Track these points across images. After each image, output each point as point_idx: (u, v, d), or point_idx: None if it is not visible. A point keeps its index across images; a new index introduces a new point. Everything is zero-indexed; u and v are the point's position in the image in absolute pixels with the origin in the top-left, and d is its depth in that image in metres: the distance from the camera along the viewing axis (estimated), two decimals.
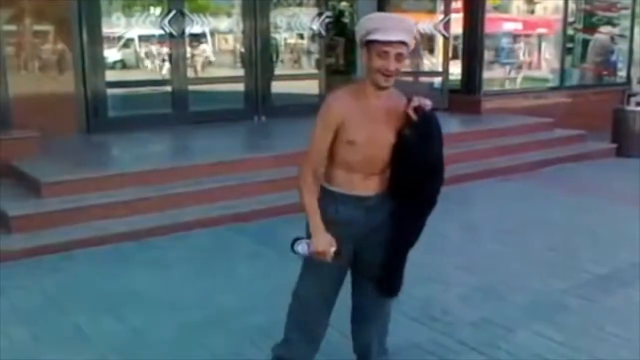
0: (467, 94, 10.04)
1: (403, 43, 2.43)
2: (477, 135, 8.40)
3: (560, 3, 11.26)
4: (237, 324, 3.89)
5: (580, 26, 11.91)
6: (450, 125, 9.41)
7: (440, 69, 10.21)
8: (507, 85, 11.33)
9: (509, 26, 11.54)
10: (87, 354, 3.53)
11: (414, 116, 2.52)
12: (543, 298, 4.35)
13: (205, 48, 9.24)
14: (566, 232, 5.75)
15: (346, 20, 12.83)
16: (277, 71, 9.45)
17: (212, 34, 9.19)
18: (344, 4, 12.92)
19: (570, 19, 11.62)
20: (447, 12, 9.91)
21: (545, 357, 3.50)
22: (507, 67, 11.36)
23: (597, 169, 8.38)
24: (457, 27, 10.35)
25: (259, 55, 8.86)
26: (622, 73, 12.17)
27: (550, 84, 11.40)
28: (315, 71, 9.85)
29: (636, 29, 12.34)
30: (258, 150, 7.28)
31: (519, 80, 11.36)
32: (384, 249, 2.72)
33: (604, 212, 6.43)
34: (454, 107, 9.75)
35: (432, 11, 10.34)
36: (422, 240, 5.41)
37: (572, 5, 11.57)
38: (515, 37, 11.65)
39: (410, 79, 10.77)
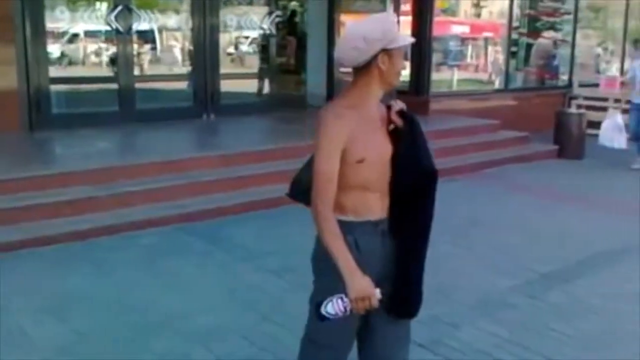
0: (415, 96, 10.16)
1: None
2: (427, 136, 8.49)
3: (506, 7, 11.51)
4: (185, 325, 3.84)
5: (524, 30, 12.20)
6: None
7: None
8: (455, 87, 11.53)
9: (456, 29, 11.74)
10: (30, 356, 3.44)
11: (399, 121, 2.36)
12: (489, 296, 4.44)
13: (153, 45, 9.10)
14: (510, 231, 5.89)
15: (297, 19, 12.82)
16: (227, 69, 9.36)
17: (160, 31, 9.05)
18: (294, 3, 12.91)
19: (515, 24, 11.90)
20: (396, 14, 10.01)
21: (490, 353, 3.58)
22: (454, 69, 11.57)
23: (539, 170, 8.61)
24: (407, 29, 10.47)
25: (208, 53, 8.77)
26: (564, 77, 12.51)
27: (495, 87, 11.66)
28: (266, 70, 9.81)
29: (578, 34, 12.71)
30: (207, 149, 7.21)
31: (455, 81, 11.54)
32: (397, 264, 2.40)
33: (546, 212, 6.61)
34: None
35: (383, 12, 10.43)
36: None
37: (516, 10, 11.86)
38: (462, 40, 11.86)
39: None
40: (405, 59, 2.27)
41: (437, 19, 10.60)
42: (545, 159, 8.99)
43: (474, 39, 12.23)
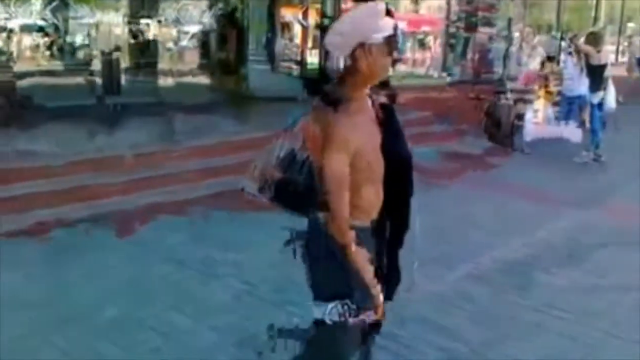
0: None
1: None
2: None
3: (444, 3, 11.82)
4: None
5: (462, 25, 12.54)
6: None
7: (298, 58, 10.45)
8: (395, 82, 11.77)
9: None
10: None
11: (380, 114, 2.33)
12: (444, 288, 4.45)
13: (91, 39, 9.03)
14: (452, 221, 5.87)
15: (238, 14, 12.86)
16: (166, 65, 9.37)
17: (97, 25, 8.99)
18: None
19: (453, 19, 12.23)
20: (338, 10, 10.16)
21: (440, 344, 3.66)
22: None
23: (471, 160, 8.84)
24: None
25: (149, 48, 8.75)
26: (497, 70, 12.92)
27: (433, 81, 11.96)
28: (206, 64, 9.86)
29: (511, 29, 13.16)
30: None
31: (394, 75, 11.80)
32: (389, 252, 2.48)
33: (483, 201, 6.73)
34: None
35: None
36: (281, 224, 5.43)
37: (454, 6, 12.19)
38: (401, 34, 12.11)
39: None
40: (389, 53, 2.21)
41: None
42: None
43: (413, 33, 12.49)
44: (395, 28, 2.22)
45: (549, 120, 9.12)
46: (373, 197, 2.32)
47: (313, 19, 10.72)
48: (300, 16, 10.25)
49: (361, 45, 2.18)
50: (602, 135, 8.75)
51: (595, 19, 16.63)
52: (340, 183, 2.18)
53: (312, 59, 10.72)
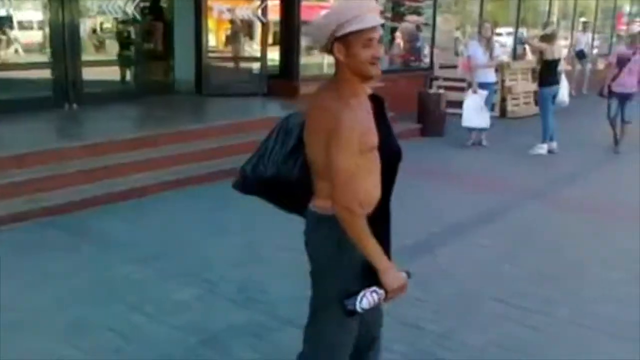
0: (285, 79, 10.26)
1: (381, 25, 2.23)
2: None
3: None
4: (49, 322, 3.72)
5: (389, 14, 12.56)
6: (267, 110, 9.61)
7: (258, 55, 10.33)
8: (326, 71, 11.70)
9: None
10: None
11: (371, 105, 2.33)
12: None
13: (9, 32, 8.55)
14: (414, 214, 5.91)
15: (164, 4, 12.48)
16: (89, 57, 8.98)
17: (15, 17, 8.52)
18: None
19: (380, 8, 12.24)
20: None
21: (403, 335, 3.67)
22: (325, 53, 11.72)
23: (404, 148, 8.93)
24: (275, 14, 10.53)
25: (68, 40, 8.34)
26: (426, 59, 13.04)
27: None
28: (131, 56, 9.52)
29: (438, 18, 13.29)
30: (69, 139, 6.91)
31: (326, 65, 11.69)
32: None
33: (410, 187, 6.89)
34: (272, 92, 9.96)
35: None
36: (241, 222, 5.54)
37: None
38: None
39: (230, 65, 10.84)
40: (367, 46, 2.15)
41: (306, 3, 10.71)
42: (409, 137, 9.37)
43: None
44: (377, 20, 2.18)
45: (481, 108, 9.23)
46: (372, 189, 2.32)
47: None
48: (259, 12, 10.01)
49: (338, 38, 2.16)
50: (556, 127, 9.05)
51: (549, 14, 17.09)
52: (352, 177, 2.17)
53: (273, 55, 10.55)
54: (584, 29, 17.03)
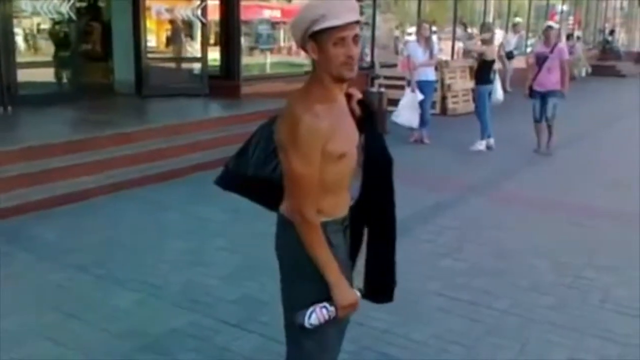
0: (226, 80, 10.20)
1: (357, 23, 2.09)
2: (235, 120, 8.59)
3: None
4: None
5: None
6: (209, 110, 9.53)
7: (199, 55, 10.23)
8: (267, 70, 11.69)
9: (267, 13, 11.87)
10: None
11: (358, 110, 2.25)
12: None
13: None
14: None
15: (101, 4, 12.25)
16: (24, 59, 8.71)
17: None
18: None
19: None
20: None
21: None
22: (267, 53, 11.71)
23: None
24: (215, 14, 10.45)
25: (1, 41, 8.07)
26: (367, 58, 13.16)
27: (305, 69, 11.96)
28: (68, 57, 9.28)
29: (378, 17, 13.43)
30: (3, 143, 6.67)
31: (268, 64, 11.73)
32: (377, 253, 2.36)
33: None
34: (214, 92, 9.88)
35: None
36: (184, 224, 5.49)
37: None
38: (273, 24, 12.02)
39: (171, 65, 10.70)
40: (339, 44, 2.01)
41: (245, 3, 10.66)
42: None
43: (285, 22, 12.43)
44: (350, 18, 2.05)
45: (415, 108, 9.38)
46: (340, 197, 2.22)
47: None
48: (199, 12, 9.88)
49: (311, 35, 2.06)
50: (492, 125, 9.26)
51: (485, 14, 17.45)
52: (306, 183, 2.07)
53: (214, 55, 10.45)
54: (514, 30, 17.51)
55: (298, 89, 2.19)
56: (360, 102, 2.26)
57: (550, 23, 9.68)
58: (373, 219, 2.34)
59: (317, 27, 2.04)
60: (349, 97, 2.24)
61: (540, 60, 8.99)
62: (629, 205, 6.63)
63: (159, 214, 5.89)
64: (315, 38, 2.06)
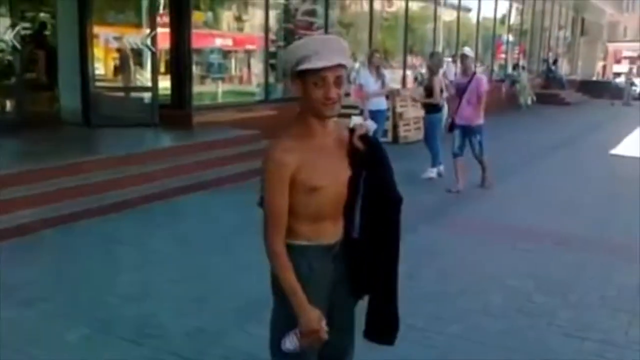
0: (177, 109, 10.12)
1: (341, 66, 2.15)
2: (187, 150, 8.52)
3: (263, 21, 11.92)
4: None
5: (282, 43, 12.72)
6: (160, 140, 9.43)
7: (149, 84, 10.14)
8: (219, 99, 11.66)
9: (218, 42, 11.88)
10: None
11: (360, 145, 2.29)
12: (254, 300, 4.55)
13: None
14: None
15: (47, 32, 12.05)
16: None
17: None
18: (43, 15, 12.13)
19: (273, 37, 12.37)
20: (152, 26, 9.90)
21: (257, 355, 3.66)
22: (219, 82, 11.70)
23: None
24: (165, 42, 10.40)
25: None
26: None
27: (257, 98, 12.01)
28: (12, 86, 9.07)
29: None
30: None
31: (220, 93, 11.71)
32: (375, 292, 2.43)
33: None
34: (165, 122, 9.78)
35: (139, 25, 10.25)
36: (134, 257, 5.38)
37: (274, 25, 12.34)
38: (225, 52, 12.04)
39: (120, 94, 10.58)
40: (318, 84, 2.12)
41: (197, 31, 10.65)
42: None
43: (236, 51, 12.47)
44: (331, 61, 2.11)
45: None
46: (319, 227, 2.28)
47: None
48: (148, 41, 9.79)
49: (296, 73, 2.16)
50: (442, 152, 9.25)
51: (434, 43, 17.82)
52: (275, 213, 2.21)
53: (165, 84, 10.34)
54: (454, 60, 17.97)
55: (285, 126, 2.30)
56: (362, 137, 2.30)
57: (466, 51, 8.99)
58: (375, 260, 2.38)
59: (299, 68, 2.13)
60: (351, 132, 2.30)
61: (460, 92, 8.54)
62: (572, 228, 6.82)
63: (108, 246, 5.76)
64: (299, 77, 2.16)
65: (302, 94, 2.18)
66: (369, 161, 2.31)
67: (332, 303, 2.36)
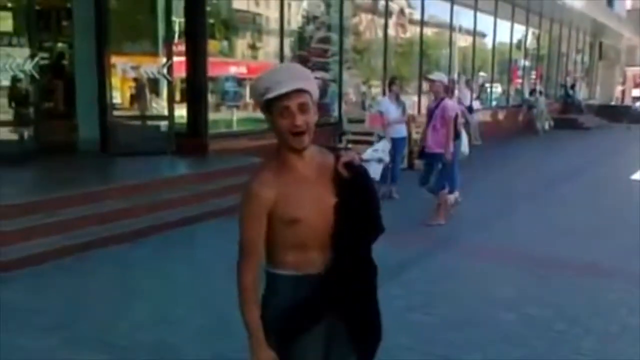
0: (193, 137, 10.16)
1: (301, 91, 2.12)
2: (203, 177, 8.54)
3: (278, 49, 12.02)
4: None
5: None
6: (176, 168, 9.46)
7: (166, 113, 10.22)
8: (234, 127, 11.70)
9: (233, 70, 11.97)
10: None
11: (345, 173, 2.23)
12: None
13: None
14: None
15: (65, 62, 12.23)
16: None
17: None
18: (61, 45, 12.32)
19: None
20: (169, 55, 10.01)
21: None
22: (233, 109, 11.76)
23: None
24: (181, 71, 10.49)
25: None
26: (334, 114, 13.30)
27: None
28: (31, 116, 9.17)
29: (344, 74, 13.65)
30: None
31: (235, 121, 11.74)
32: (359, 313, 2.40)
33: None
34: (181, 150, 9.82)
35: (155, 54, 10.36)
36: (151, 284, 5.36)
37: (288, 52, 12.43)
38: (239, 80, 12.12)
39: (137, 123, 10.65)
40: (283, 114, 2.11)
41: (213, 59, 10.74)
42: None
43: (251, 79, 12.55)
44: (289, 87, 2.09)
45: (379, 160, 9.41)
46: (311, 252, 2.23)
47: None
48: (164, 70, 9.90)
49: (265, 106, 2.15)
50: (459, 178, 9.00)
51: (450, 69, 17.87)
52: (246, 244, 2.20)
53: (181, 112, 10.40)
54: (468, 86, 17.97)
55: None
56: (347, 164, 2.25)
57: (434, 75, 8.45)
58: (357, 282, 2.34)
59: (265, 98, 2.12)
60: (337, 159, 2.26)
61: (428, 118, 8.09)
62: (593, 256, 6.69)
63: (126, 273, 5.75)
64: (267, 109, 2.15)
65: (272, 127, 2.16)
66: (353, 188, 2.25)
67: (324, 328, 2.29)
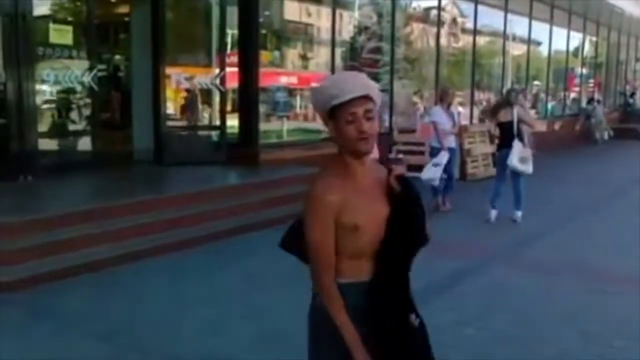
0: (244, 147, 10.25)
1: (367, 98, 2.17)
2: (254, 187, 8.59)
3: (329, 60, 12.04)
4: None
5: None
6: (228, 178, 9.55)
7: (218, 123, 10.35)
8: (285, 137, 11.77)
9: (284, 80, 12.05)
10: None
11: (397, 186, 2.27)
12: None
13: None
14: None
15: (121, 74, 12.56)
16: (45, 127, 8.87)
17: None
18: (118, 57, 12.66)
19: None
20: (222, 66, 10.15)
21: None
22: (284, 120, 11.83)
23: None
24: (234, 81, 10.62)
25: (23, 110, 8.21)
26: (385, 124, 13.22)
27: (322, 135, 12.02)
28: (88, 127, 9.43)
29: (395, 84, 13.58)
30: (21, 212, 6.69)
31: (285, 131, 11.79)
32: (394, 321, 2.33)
33: None
34: (232, 160, 9.92)
35: (208, 65, 10.53)
36: (203, 294, 5.41)
37: (340, 62, 12.44)
38: (290, 90, 12.19)
39: (190, 133, 10.82)
40: (349, 120, 2.14)
41: (264, 70, 10.84)
42: None
43: (302, 89, 12.62)
44: (355, 93, 2.12)
45: (437, 165, 9.26)
46: (365, 260, 2.24)
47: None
48: (217, 81, 10.07)
49: (328, 114, 2.19)
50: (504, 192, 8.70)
51: (503, 78, 17.62)
52: (318, 249, 2.20)
53: (233, 122, 10.54)
54: (524, 95, 17.56)
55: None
56: (398, 177, 2.27)
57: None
58: (398, 289, 2.29)
59: (330, 105, 2.16)
60: (389, 172, 2.29)
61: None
62: None
63: (178, 283, 5.82)
64: (331, 117, 2.19)
65: (336, 133, 2.20)
66: (403, 200, 2.27)
67: (368, 333, 2.25)
